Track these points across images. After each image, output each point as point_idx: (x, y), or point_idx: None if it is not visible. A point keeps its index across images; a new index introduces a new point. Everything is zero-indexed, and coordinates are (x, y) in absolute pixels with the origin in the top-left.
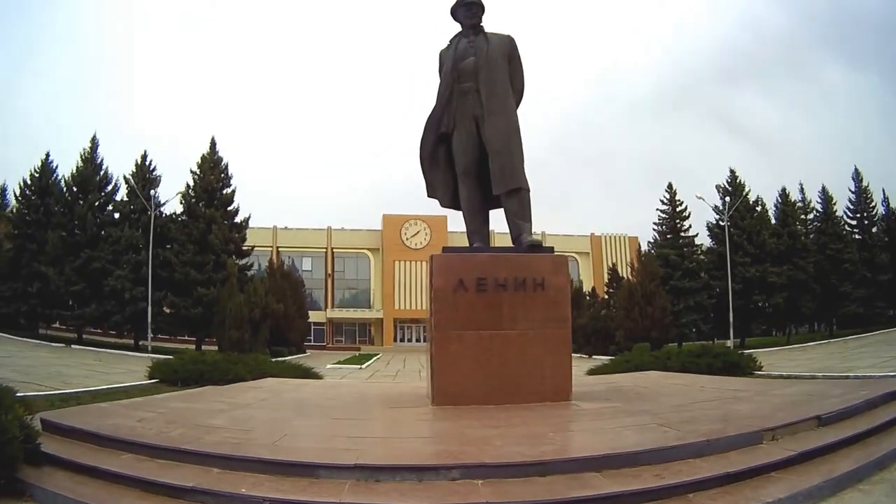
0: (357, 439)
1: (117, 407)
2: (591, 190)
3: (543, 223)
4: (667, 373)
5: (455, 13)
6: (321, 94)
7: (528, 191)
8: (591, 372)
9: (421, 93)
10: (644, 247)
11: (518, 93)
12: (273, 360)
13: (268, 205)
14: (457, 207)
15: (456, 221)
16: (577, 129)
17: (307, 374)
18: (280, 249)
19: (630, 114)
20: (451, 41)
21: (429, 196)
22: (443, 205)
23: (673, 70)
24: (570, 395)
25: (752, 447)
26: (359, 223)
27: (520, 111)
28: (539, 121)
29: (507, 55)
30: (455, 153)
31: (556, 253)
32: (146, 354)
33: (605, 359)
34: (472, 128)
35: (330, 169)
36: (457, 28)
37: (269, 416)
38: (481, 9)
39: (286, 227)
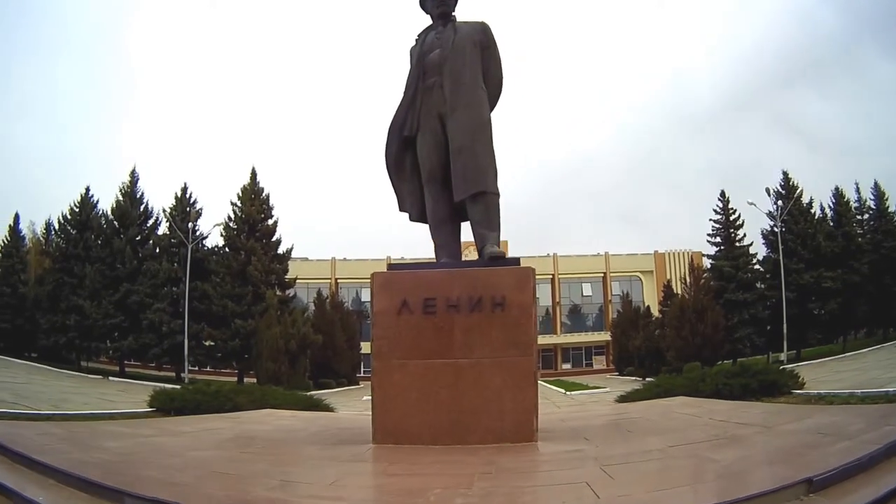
0: (215, 475)
1: (47, 425)
2: (659, 206)
3: (607, 243)
4: (692, 399)
5: (423, 3)
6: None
7: (496, 195)
8: (622, 399)
9: None
10: (705, 261)
11: (494, 85)
12: (305, 392)
13: (327, 237)
14: (426, 221)
15: (514, 247)
16: (638, 144)
17: (316, 406)
18: (339, 281)
19: (687, 125)
20: (418, 36)
21: (400, 210)
22: (412, 219)
23: (726, 78)
24: (534, 434)
25: None
26: (417, 252)
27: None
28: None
29: (478, 43)
30: (420, 158)
31: (522, 265)
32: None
33: (652, 381)
34: (437, 127)
35: (386, 197)
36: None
37: (176, 443)
38: None
39: (345, 259)
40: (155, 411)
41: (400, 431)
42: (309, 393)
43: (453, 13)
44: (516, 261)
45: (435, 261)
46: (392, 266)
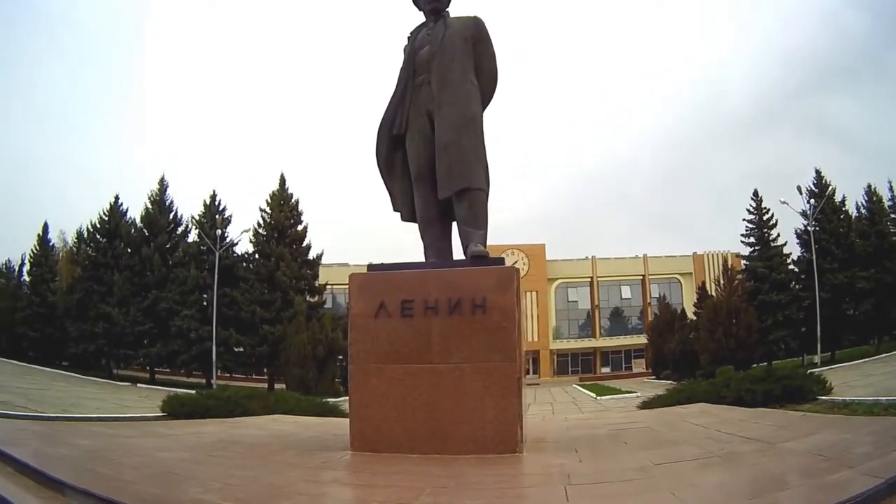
0: (165, 475)
1: (31, 423)
2: (698, 207)
3: (646, 245)
4: (712, 406)
5: (416, 0)
6: None
7: (483, 192)
8: (644, 405)
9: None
10: (742, 262)
11: (488, 80)
12: (333, 398)
13: (372, 241)
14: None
15: (554, 250)
16: (676, 145)
17: (330, 412)
18: None
19: (723, 127)
20: (411, 33)
21: (394, 209)
22: (403, 218)
23: (763, 81)
24: (518, 445)
25: None
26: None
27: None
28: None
29: (469, 38)
30: (409, 156)
31: (507, 265)
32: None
33: (676, 387)
34: (426, 125)
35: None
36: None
37: (151, 444)
38: None
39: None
40: (166, 416)
41: (377, 439)
42: (336, 399)
43: (446, 9)
44: (500, 260)
45: (424, 262)
46: (372, 267)
